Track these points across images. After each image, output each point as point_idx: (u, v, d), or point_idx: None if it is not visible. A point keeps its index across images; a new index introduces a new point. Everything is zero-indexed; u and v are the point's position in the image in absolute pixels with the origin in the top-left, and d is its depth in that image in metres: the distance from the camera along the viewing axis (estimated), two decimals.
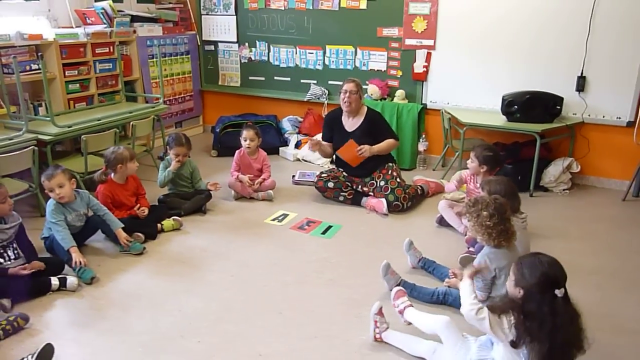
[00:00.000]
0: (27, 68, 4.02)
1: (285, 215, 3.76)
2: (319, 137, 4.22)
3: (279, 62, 5.49)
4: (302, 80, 5.39)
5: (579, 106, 4.25)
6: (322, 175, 3.97)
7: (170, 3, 5.65)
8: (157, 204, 3.73)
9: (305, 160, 5.04)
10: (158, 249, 3.25)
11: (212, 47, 5.83)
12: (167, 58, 5.43)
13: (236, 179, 4.02)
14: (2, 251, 2.76)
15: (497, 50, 4.43)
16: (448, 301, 2.60)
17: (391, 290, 2.64)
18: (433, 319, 2.22)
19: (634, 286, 2.86)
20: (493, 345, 2.01)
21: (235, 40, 5.64)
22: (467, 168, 3.56)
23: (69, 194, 3.01)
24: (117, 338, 2.37)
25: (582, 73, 4.18)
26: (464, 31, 4.51)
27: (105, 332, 2.41)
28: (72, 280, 2.77)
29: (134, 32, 5.00)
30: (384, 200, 3.76)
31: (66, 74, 4.35)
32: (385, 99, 4.92)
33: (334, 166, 4.21)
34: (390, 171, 3.89)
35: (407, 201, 3.79)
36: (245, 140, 4.03)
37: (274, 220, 3.70)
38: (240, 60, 5.71)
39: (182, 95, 5.76)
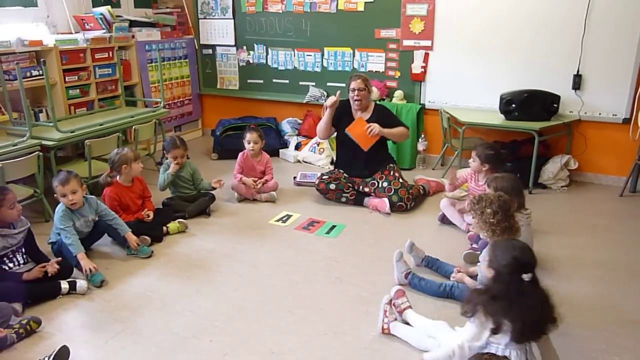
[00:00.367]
0: (28, 74, 4.02)
1: (289, 216, 3.80)
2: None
3: (277, 65, 5.53)
4: (300, 83, 5.44)
5: (576, 104, 4.32)
6: (324, 177, 4.01)
7: (167, 8, 5.68)
8: (161, 207, 3.75)
9: (306, 162, 5.08)
10: (165, 251, 3.28)
11: (210, 51, 5.86)
12: (165, 62, 5.46)
13: (239, 181, 4.05)
14: (11, 256, 2.78)
15: (494, 50, 4.49)
16: (455, 294, 2.65)
17: (399, 281, 2.71)
18: (431, 322, 2.30)
19: (635, 278, 2.91)
20: None
21: (233, 43, 5.68)
22: (467, 167, 3.61)
23: (81, 200, 3.03)
24: (129, 339, 2.40)
25: (578, 71, 4.25)
26: (461, 31, 4.57)
27: (117, 334, 2.43)
28: (81, 283, 2.79)
29: (133, 37, 5.02)
30: (386, 199, 3.80)
31: (66, 79, 4.37)
32: (384, 99, 4.97)
33: (333, 167, 4.25)
34: (392, 172, 3.93)
35: (410, 202, 3.83)
36: (249, 143, 4.06)
37: (278, 221, 3.73)
38: (239, 64, 5.74)
39: (181, 99, 5.79)
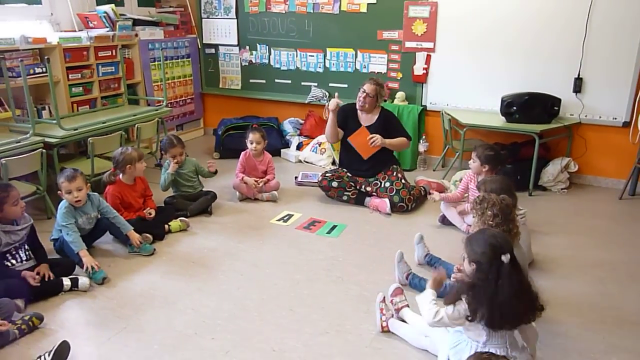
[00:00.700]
0: (31, 72, 4.03)
1: (290, 216, 3.81)
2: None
3: (279, 65, 5.54)
4: (303, 83, 5.45)
5: (576, 107, 4.34)
6: (327, 174, 4.03)
7: (171, 7, 5.70)
8: (163, 205, 3.77)
9: (307, 162, 5.10)
10: (167, 249, 3.29)
11: (213, 51, 5.87)
12: (168, 61, 5.48)
13: (241, 181, 4.07)
14: (14, 252, 2.79)
15: (495, 53, 4.52)
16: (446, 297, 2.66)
17: (400, 281, 2.73)
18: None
19: (634, 280, 2.94)
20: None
21: (236, 43, 5.69)
22: (467, 168, 3.63)
23: (85, 197, 3.06)
24: (132, 336, 2.41)
25: (579, 74, 4.27)
26: (463, 34, 4.60)
27: (120, 331, 2.45)
28: (84, 280, 2.81)
29: (136, 35, 5.03)
30: (387, 200, 3.82)
31: (70, 77, 4.38)
32: (385, 100, 4.97)
33: (336, 166, 4.27)
34: (395, 172, 3.95)
35: (411, 202, 3.85)
36: (252, 143, 4.08)
37: (279, 220, 3.74)
38: (241, 63, 5.76)
39: (183, 98, 5.80)
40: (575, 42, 4.21)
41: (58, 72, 4.24)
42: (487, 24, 4.49)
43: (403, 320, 2.43)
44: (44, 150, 3.53)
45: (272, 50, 5.53)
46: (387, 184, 3.89)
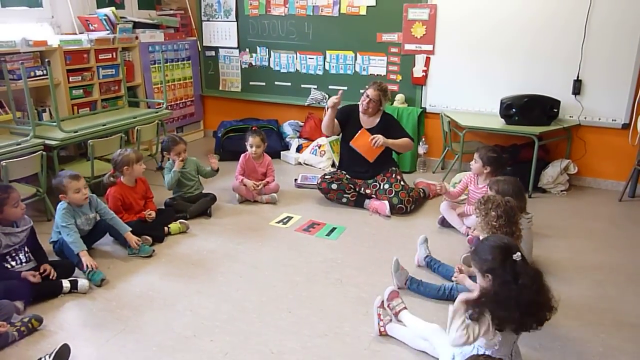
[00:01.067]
0: (32, 74, 4.05)
1: (290, 218, 3.82)
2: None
3: (279, 68, 5.56)
4: (302, 85, 5.47)
5: (576, 109, 4.35)
6: (326, 176, 4.03)
7: (171, 9, 5.71)
8: (163, 207, 3.77)
9: (307, 164, 5.10)
10: (166, 251, 3.30)
11: (213, 53, 5.89)
12: (168, 64, 5.49)
13: (241, 183, 4.07)
14: (14, 254, 2.80)
15: (495, 55, 4.53)
16: (454, 296, 2.65)
17: (399, 287, 2.73)
18: (425, 325, 2.32)
19: (633, 282, 2.94)
20: None
21: (235, 46, 5.71)
22: (467, 170, 3.63)
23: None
24: (131, 338, 2.42)
25: (578, 77, 4.28)
26: (463, 36, 4.61)
27: (119, 333, 2.45)
28: (83, 282, 2.81)
29: (136, 38, 5.05)
30: (386, 202, 3.82)
31: (70, 79, 4.39)
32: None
33: (335, 169, 4.27)
34: (394, 175, 3.96)
35: (410, 204, 3.85)
36: (252, 147, 4.09)
37: (278, 222, 3.75)
38: (241, 66, 5.77)
39: (183, 101, 5.82)
40: (574, 44, 4.22)
41: (59, 75, 4.25)
42: (486, 27, 4.50)
43: (402, 323, 2.43)
44: (44, 153, 3.54)
45: (272, 53, 5.55)
46: (386, 186, 3.89)
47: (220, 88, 5.99)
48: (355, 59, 5.14)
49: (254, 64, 5.69)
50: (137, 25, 5.10)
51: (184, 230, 3.57)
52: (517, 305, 1.84)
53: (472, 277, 2.66)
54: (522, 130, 4.20)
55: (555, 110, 4.25)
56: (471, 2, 4.50)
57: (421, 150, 4.95)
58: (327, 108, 3.96)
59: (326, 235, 3.54)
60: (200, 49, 5.91)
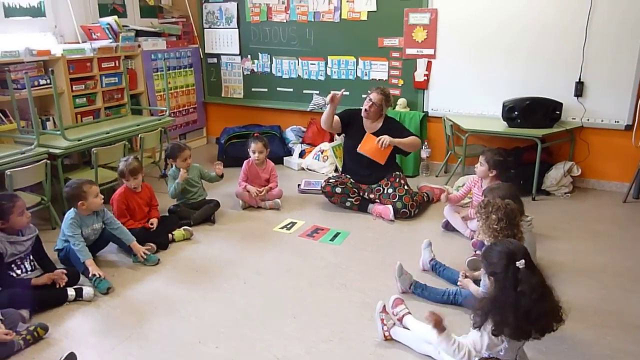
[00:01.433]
0: (36, 83, 4.07)
1: (293, 223, 3.82)
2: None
3: (281, 74, 5.57)
4: (304, 91, 5.48)
5: (578, 111, 4.34)
6: (330, 180, 4.04)
7: (173, 17, 5.75)
8: (167, 214, 3.79)
9: (310, 169, 5.11)
10: (171, 258, 3.30)
11: (215, 60, 5.91)
12: (170, 71, 5.52)
13: (244, 189, 4.08)
14: (19, 263, 2.81)
15: (496, 58, 4.53)
16: (458, 301, 2.67)
17: (404, 291, 2.73)
18: (428, 329, 2.29)
19: (638, 284, 2.92)
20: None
21: (237, 52, 5.74)
22: (470, 174, 3.62)
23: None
24: (136, 345, 2.42)
25: (580, 78, 4.28)
26: (464, 40, 4.61)
27: (124, 340, 2.45)
28: (88, 290, 2.82)
29: (139, 46, 5.08)
30: (390, 206, 3.82)
31: (73, 88, 4.42)
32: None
33: (338, 173, 4.28)
34: (398, 179, 3.96)
35: (414, 208, 3.85)
36: (254, 153, 4.10)
37: (282, 228, 3.75)
38: (243, 72, 5.79)
39: (186, 108, 5.84)
40: (576, 46, 4.22)
41: (62, 84, 4.28)
42: (487, 30, 4.50)
43: (407, 328, 2.43)
44: (48, 161, 3.56)
45: (274, 59, 5.57)
46: (390, 190, 3.89)
47: (223, 95, 6.01)
48: (357, 64, 5.16)
49: (255, 70, 5.72)
50: (139, 33, 5.14)
51: (187, 237, 3.57)
52: (514, 312, 1.85)
53: (477, 282, 2.66)
54: (524, 133, 4.19)
55: (558, 112, 4.25)
56: (472, 5, 4.51)
57: (424, 154, 4.95)
58: (327, 103, 3.95)
59: (330, 240, 3.54)
60: (202, 56, 5.94)
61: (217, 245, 3.48)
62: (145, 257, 3.18)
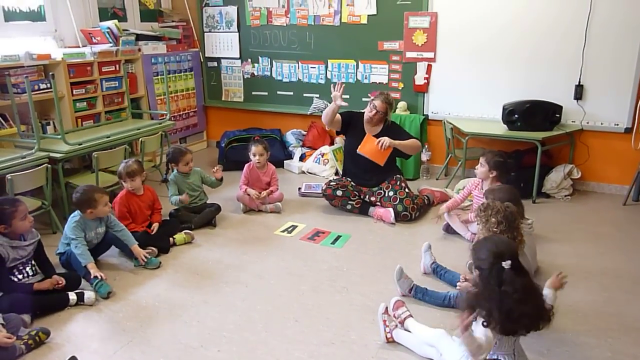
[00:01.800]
0: (36, 87, 4.08)
1: (295, 227, 3.82)
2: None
3: (281, 77, 5.58)
4: (305, 94, 5.49)
5: (578, 114, 4.36)
6: (331, 183, 4.04)
7: (173, 21, 5.76)
8: (168, 218, 3.78)
9: (310, 173, 5.12)
10: (172, 262, 3.30)
11: (215, 64, 5.93)
12: (171, 75, 5.53)
13: (245, 192, 4.09)
14: (21, 267, 2.80)
15: (496, 61, 4.54)
16: (459, 305, 2.66)
17: (404, 294, 2.73)
18: (431, 331, 2.32)
19: (639, 286, 2.92)
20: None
21: (238, 56, 5.75)
22: (470, 177, 3.63)
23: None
24: (138, 349, 2.42)
25: (579, 82, 4.29)
26: (464, 43, 4.63)
27: (126, 345, 2.45)
28: (89, 294, 2.82)
29: (139, 50, 5.09)
30: (391, 209, 3.83)
31: (74, 92, 4.43)
32: None
33: (339, 177, 4.29)
34: (398, 182, 3.96)
35: (415, 211, 3.86)
36: (255, 156, 4.10)
37: (283, 231, 3.75)
38: (243, 76, 5.81)
39: (186, 111, 5.85)
40: (575, 49, 4.23)
41: (62, 88, 4.29)
42: (486, 33, 4.52)
43: (408, 331, 2.43)
44: (49, 165, 3.56)
45: (274, 63, 5.58)
46: (391, 193, 3.90)
47: (223, 98, 6.02)
48: (357, 68, 5.17)
49: (256, 74, 5.73)
50: (139, 37, 5.15)
51: (189, 240, 3.57)
52: (498, 309, 1.88)
53: None
54: (524, 136, 4.20)
55: (558, 115, 4.25)
56: (472, 9, 4.52)
57: (424, 157, 4.96)
58: (333, 102, 3.91)
59: (331, 243, 3.54)
60: (202, 60, 5.95)
61: (218, 249, 3.48)
62: (146, 260, 3.18)
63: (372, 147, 3.87)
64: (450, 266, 3.02)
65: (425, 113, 4.96)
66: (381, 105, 3.93)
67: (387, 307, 2.49)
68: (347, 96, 5.06)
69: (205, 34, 5.86)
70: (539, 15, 4.30)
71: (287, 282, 3.02)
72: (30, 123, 3.79)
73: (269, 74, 5.65)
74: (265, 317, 2.65)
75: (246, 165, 4.18)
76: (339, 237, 3.63)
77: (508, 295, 1.88)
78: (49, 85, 4.07)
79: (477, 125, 4.52)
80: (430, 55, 4.79)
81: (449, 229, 3.66)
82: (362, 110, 4.09)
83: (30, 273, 2.84)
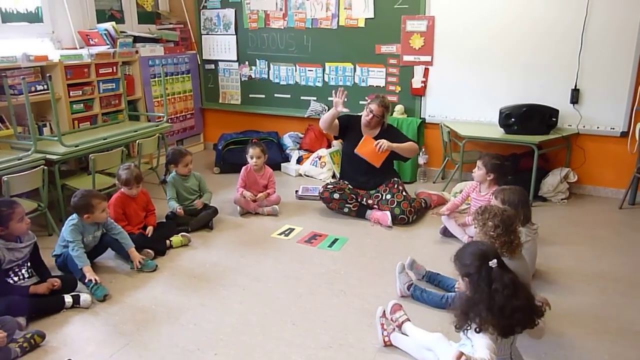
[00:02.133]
0: (33, 89, 4.06)
1: (292, 230, 3.81)
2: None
3: (279, 80, 5.59)
4: (302, 97, 5.49)
5: (574, 118, 4.37)
6: (328, 186, 4.04)
7: (171, 24, 5.76)
8: (164, 220, 3.77)
9: (308, 176, 5.11)
10: (169, 264, 3.29)
11: (213, 66, 5.92)
12: (168, 77, 5.52)
13: (241, 195, 4.08)
14: (17, 270, 2.79)
15: (493, 65, 4.56)
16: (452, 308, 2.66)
17: (402, 295, 2.73)
18: (428, 335, 2.32)
19: (636, 289, 2.94)
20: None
21: (235, 59, 5.74)
22: (467, 180, 3.63)
23: None
24: (134, 353, 2.40)
25: (576, 86, 4.31)
26: (461, 47, 4.64)
27: (122, 348, 2.44)
28: (85, 297, 2.80)
29: (137, 52, 5.08)
30: (388, 212, 3.83)
31: (71, 94, 4.41)
32: None
33: (336, 180, 4.28)
34: (396, 185, 3.97)
35: (412, 214, 3.86)
36: (252, 158, 4.10)
37: (280, 234, 3.75)
38: (241, 79, 5.80)
39: (184, 114, 5.84)
40: (572, 53, 4.25)
41: (59, 89, 4.27)
42: (484, 37, 4.54)
43: (406, 334, 2.43)
44: (45, 167, 3.54)
45: (272, 66, 5.58)
46: (388, 196, 3.90)
47: (220, 101, 6.01)
48: (354, 71, 5.18)
49: (253, 76, 5.73)
50: (137, 39, 5.14)
51: (185, 243, 3.56)
52: (489, 309, 1.88)
53: None
54: (521, 140, 4.22)
55: (554, 119, 4.27)
56: (469, 13, 4.54)
57: (421, 160, 4.97)
58: (334, 108, 3.91)
59: (328, 246, 3.54)
60: (199, 63, 5.94)
61: (215, 252, 3.47)
62: (140, 266, 3.16)
63: (370, 148, 3.87)
64: (446, 269, 2.99)
65: (422, 116, 4.97)
66: (377, 109, 3.94)
67: (384, 311, 2.49)
68: (345, 100, 5.09)
69: (202, 36, 5.85)
70: (536, 19, 4.32)
71: (285, 285, 3.01)
72: (27, 125, 3.77)
73: (266, 76, 5.64)
74: (263, 320, 2.65)
75: (243, 168, 4.18)
76: (336, 240, 3.63)
77: (499, 293, 1.89)
78: (45, 86, 4.06)
79: (474, 128, 4.53)
80: (427, 58, 4.80)
81: (446, 232, 3.66)
82: (360, 114, 4.09)
83: (26, 275, 2.83)
